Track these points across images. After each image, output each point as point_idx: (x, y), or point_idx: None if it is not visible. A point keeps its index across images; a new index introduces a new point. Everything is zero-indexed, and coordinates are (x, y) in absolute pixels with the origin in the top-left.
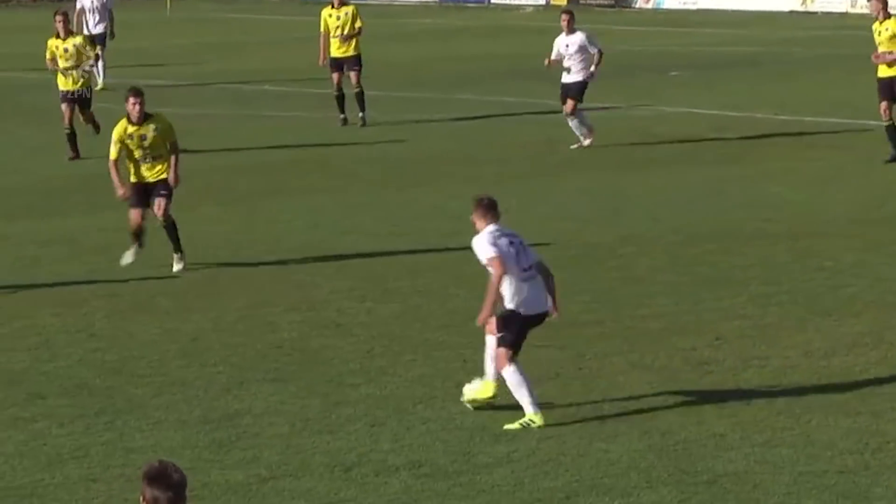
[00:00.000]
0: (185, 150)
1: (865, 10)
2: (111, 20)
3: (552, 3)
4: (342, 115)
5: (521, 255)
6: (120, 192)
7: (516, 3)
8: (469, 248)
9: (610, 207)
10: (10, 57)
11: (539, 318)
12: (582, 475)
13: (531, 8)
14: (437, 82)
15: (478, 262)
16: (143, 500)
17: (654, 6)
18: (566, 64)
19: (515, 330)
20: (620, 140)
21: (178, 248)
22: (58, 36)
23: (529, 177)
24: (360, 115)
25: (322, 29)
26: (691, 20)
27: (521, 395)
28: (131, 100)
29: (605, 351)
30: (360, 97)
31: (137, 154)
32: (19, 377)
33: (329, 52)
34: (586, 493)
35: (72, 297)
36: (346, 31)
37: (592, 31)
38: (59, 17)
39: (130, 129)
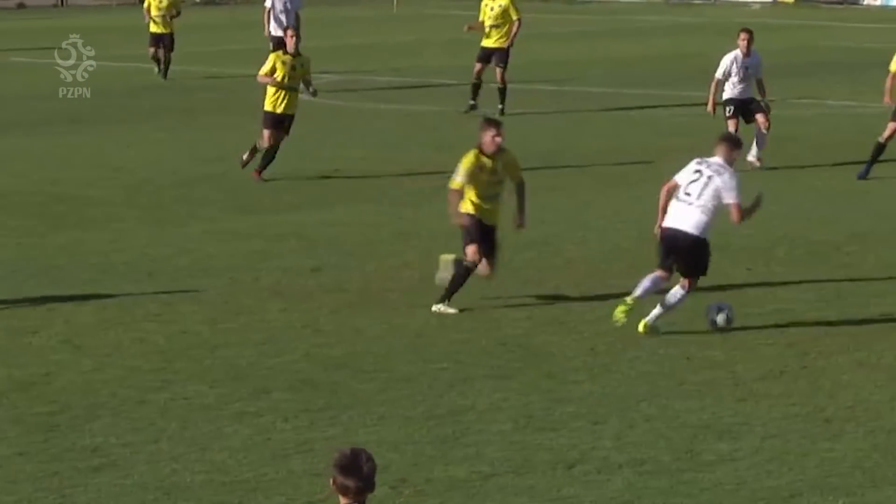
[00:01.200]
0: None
1: None
2: (297, 23)
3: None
4: (472, 102)
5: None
6: (458, 220)
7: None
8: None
9: (836, 205)
10: (234, 54)
11: None
12: (805, 474)
13: (758, 5)
14: (668, 78)
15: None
16: (333, 485)
17: (883, 4)
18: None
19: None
20: (848, 138)
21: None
22: (285, 51)
23: (766, 174)
24: (500, 106)
25: (480, 18)
26: None
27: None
28: (491, 132)
29: (830, 349)
30: (502, 93)
31: (485, 190)
32: (245, 372)
33: (481, 41)
34: (809, 492)
35: (298, 293)
36: (496, 21)
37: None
38: (290, 32)
39: (484, 160)
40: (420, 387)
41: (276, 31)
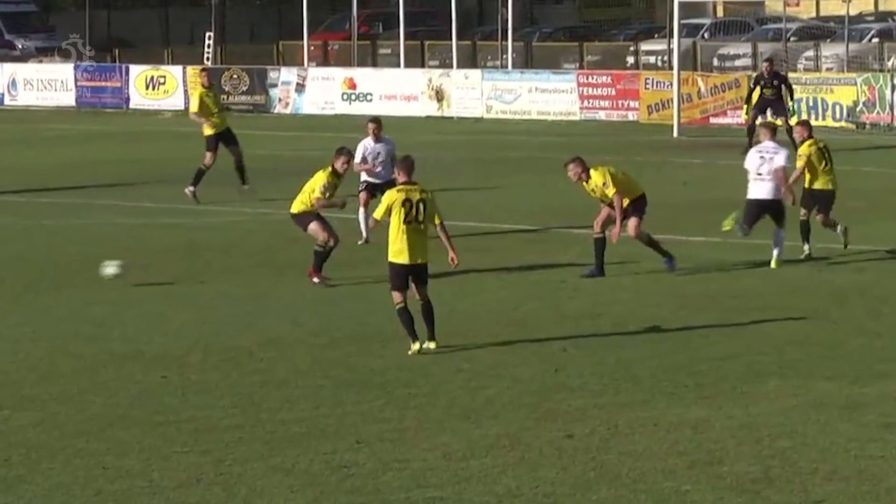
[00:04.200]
0: None
1: (499, 116)
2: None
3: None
4: None
5: None
6: None
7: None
8: None
9: (250, 311)
10: None
11: None
12: None
13: (170, 113)
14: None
15: None
16: None
17: (293, 111)
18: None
19: None
20: (261, 245)
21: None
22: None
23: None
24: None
25: None
26: (328, 124)
27: None
28: None
29: (245, 455)
30: None
31: None
32: None
33: None
34: None
35: None
36: None
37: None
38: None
39: None
40: None
41: None
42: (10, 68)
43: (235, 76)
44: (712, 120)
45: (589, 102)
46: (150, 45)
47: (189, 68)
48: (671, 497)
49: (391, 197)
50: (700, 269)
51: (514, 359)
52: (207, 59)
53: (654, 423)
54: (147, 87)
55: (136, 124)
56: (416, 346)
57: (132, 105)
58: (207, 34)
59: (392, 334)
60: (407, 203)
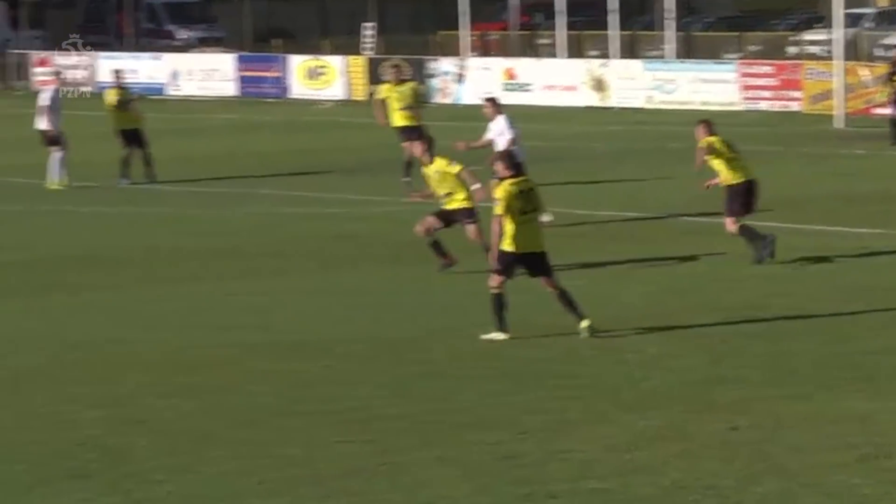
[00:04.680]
0: None
1: (659, 106)
2: None
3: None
4: None
5: None
6: None
7: (316, 98)
8: None
9: (410, 301)
10: None
11: None
12: None
13: (331, 103)
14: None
15: None
16: None
17: (454, 101)
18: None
19: None
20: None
21: None
22: None
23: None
24: None
25: None
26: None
27: None
28: None
29: (408, 445)
30: None
31: None
32: None
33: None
34: None
35: None
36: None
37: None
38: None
39: None
40: None
41: None
42: (171, 59)
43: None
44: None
45: (750, 93)
46: (309, 35)
47: (350, 58)
48: (842, 491)
49: (507, 190)
50: (860, 260)
51: (674, 350)
52: (368, 49)
53: (818, 416)
54: (307, 77)
55: (296, 114)
56: (498, 336)
57: (292, 95)
58: (368, 24)
59: (551, 325)
60: (522, 194)
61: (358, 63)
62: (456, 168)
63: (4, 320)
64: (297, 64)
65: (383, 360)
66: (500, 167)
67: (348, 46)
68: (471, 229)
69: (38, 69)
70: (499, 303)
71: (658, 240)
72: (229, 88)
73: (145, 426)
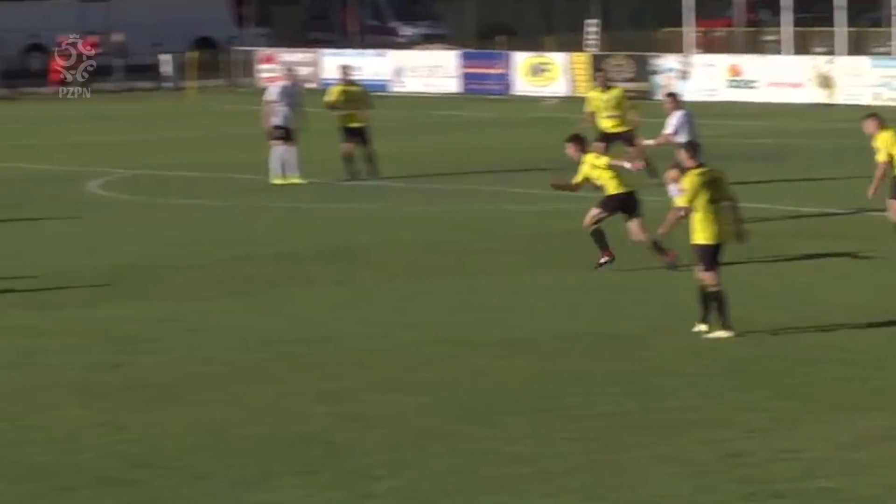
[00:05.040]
0: None
1: (888, 103)
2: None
3: (572, 94)
4: None
5: None
6: None
7: (539, 94)
8: None
9: (629, 297)
10: None
11: None
12: None
13: (555, 100)
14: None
15: None
16: None
17: None
18: None
19: None
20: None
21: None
22: None
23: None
24: None
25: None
26: (712, 111)
27: None
28: None
29: (632, 443)
30: None
31: None
32: (47, 470)
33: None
34: None
35: (98, 389)
36: None
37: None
38: None
39: None
40: (220, 484)
41: None
42: (395, 55)
43: (618, 63)
44: None
45: None
46: (532, 32)
47: (573, 55)
48: None
49: (693, 180)
50: None
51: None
52: (592, 45)
53: None
54: (531, 74)
55: (520, 111)
56: (723, 334)
57: (515, 91)
58: (591, 21)
59: (768, 323)
60: (709, 184)
61: (581, 60)
62: (603, 160)
63: (229, 315)
64: (521, 61)
65: (606, 356)
66: (684, 157)
67: (572, 43)
68: (633, 227)
69: (264, 66)
70: (719, 300)
71: (882, 238)
72: (452, 85)
73: (368, 422)
